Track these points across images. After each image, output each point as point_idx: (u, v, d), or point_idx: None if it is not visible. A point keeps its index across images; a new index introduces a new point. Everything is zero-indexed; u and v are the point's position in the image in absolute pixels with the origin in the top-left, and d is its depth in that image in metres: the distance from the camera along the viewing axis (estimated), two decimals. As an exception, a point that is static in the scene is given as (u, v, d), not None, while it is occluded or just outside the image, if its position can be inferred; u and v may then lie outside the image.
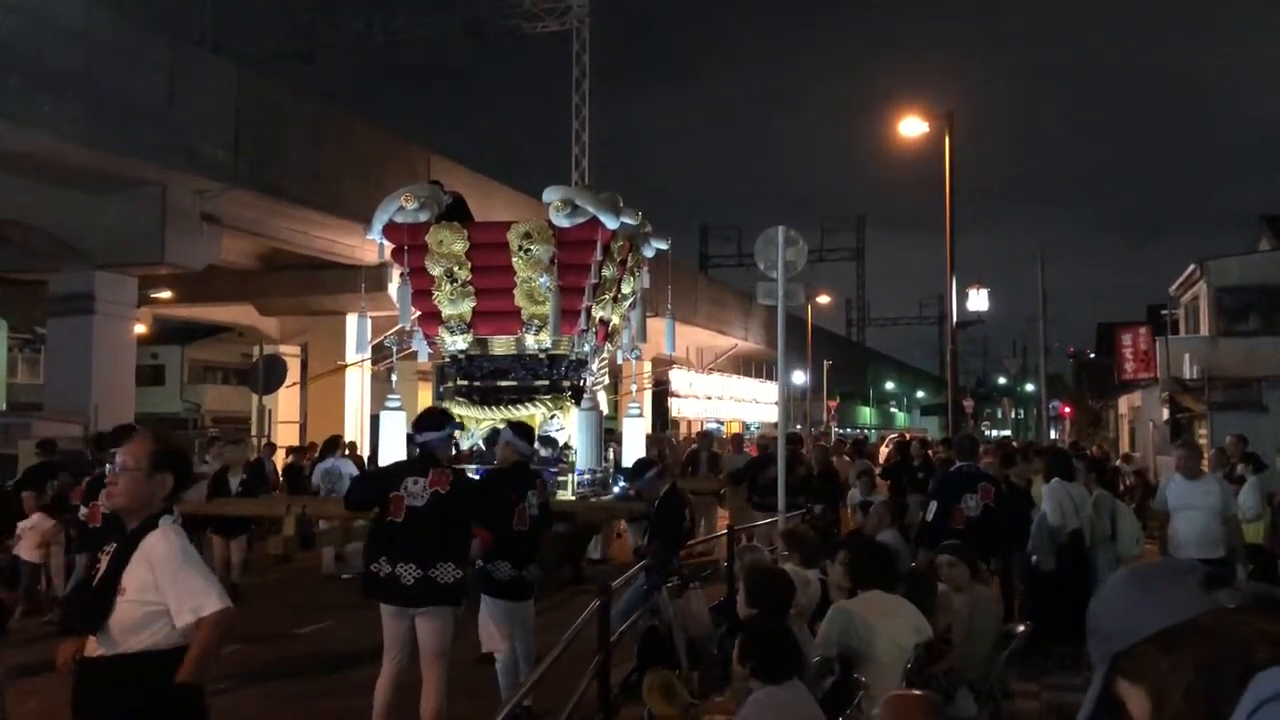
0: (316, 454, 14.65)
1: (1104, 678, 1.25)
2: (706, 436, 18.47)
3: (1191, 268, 26.53)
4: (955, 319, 19.76)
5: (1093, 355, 45.54)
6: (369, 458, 14.11)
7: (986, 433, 59.37)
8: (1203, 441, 21.20)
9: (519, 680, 6.02)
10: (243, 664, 7.59)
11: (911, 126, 19.00)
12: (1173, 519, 8.04)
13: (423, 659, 5.54)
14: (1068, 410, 50.05)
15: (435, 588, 5.47)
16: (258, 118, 15.87)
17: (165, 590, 3.18)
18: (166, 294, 21.15)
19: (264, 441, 18.52)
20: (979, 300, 29.12)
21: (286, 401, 24.68)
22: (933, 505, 7.82)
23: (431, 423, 6.08)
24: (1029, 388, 64.86)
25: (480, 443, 10.12)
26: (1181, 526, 7.92)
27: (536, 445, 8.28)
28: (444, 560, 5.50)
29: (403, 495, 5.62)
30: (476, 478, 7.19)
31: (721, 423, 37.56)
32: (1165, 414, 24.85)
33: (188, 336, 36.77)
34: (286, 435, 22.68)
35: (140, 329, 20.69)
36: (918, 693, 1.88)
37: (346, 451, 14.42)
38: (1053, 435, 41.47)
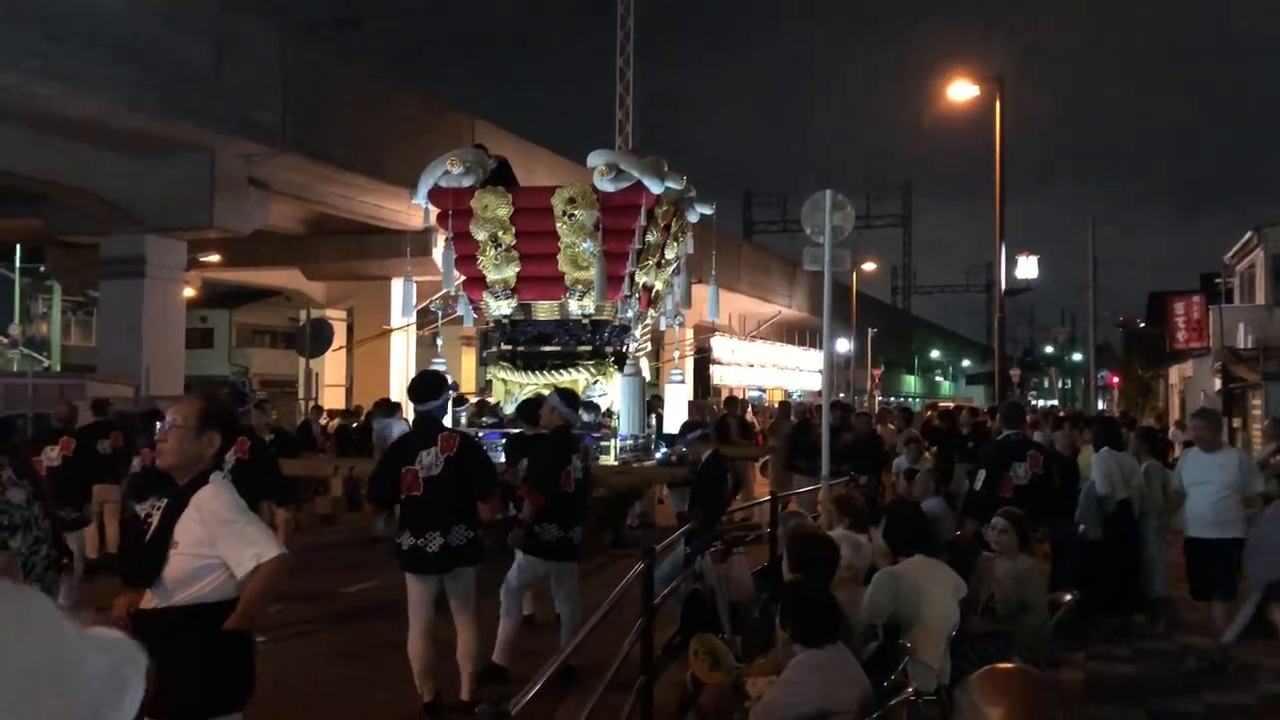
0: (363, 416, 14.83)
1: (1257, 604, 1.23)
2: (733, 402, 18.42)
3: (1249, 235, 25.95)
4: (1004, 287, 19.51)
5: (1143, 324, 44.82)
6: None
7: (1033, 402, 58.76)
8: (1256, 413, 20.84)
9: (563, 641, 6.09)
10: (286, 622, 7.71)
11: (961, 91, 18.70)
12: (1189, 495, 7.60)
13: (455, 612, 5.87)
14: (1116, 380, 49.36)
15: (458, 552, 5.74)
16: (305, 83, 15.94)
17: (220, 543, 3.22)
18: (215, 258, 21.43)
19: (311, 404, 18.74)
20: (1028, 268, 28.79)
21: (333, 365, 24.96)
22: (981, 474, 7.72)
23: (431, 391, 6.16)
24: (1076, 357, 64.09)
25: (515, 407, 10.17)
26: (1195, 503, 7.35)
27: (580, 411, 8.31)
28: (459, 524, 5.75)
29: (417, 469, 5.76)
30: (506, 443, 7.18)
31: (763, 390, 37.46)
32: (1218, 384, 24.43)
33: (236, 300, 37.25)
34: (333, 398, 22.94)
35: (189, 292, 21.00)
36: (1034, 670, 1.79)
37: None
38: (1100, 405, 40.97)
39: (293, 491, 11.27)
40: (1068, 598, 5.63)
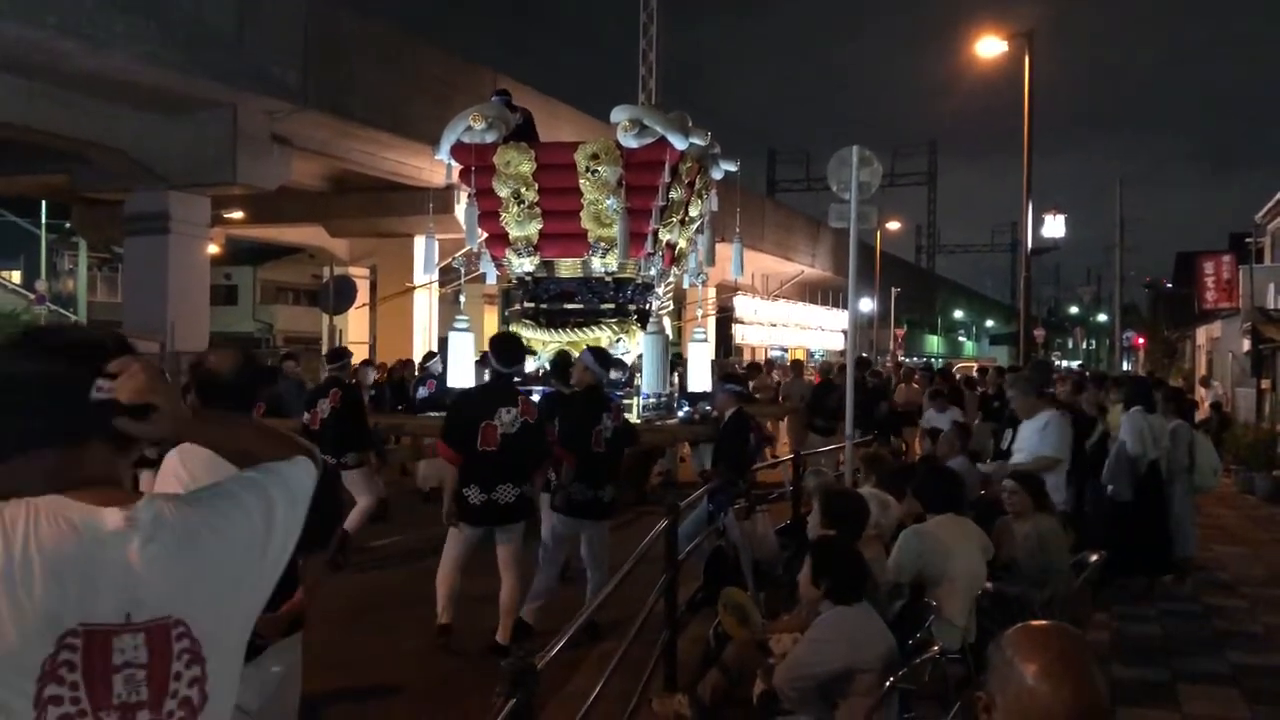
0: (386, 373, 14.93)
1: None
2: (757, 368, 18.37)
3: (1280, 194, 25.57)
4: (1030, 246, 19.29)
5: (1170, 285, 44.32)
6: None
7: (1058, 363, 58.32)
8: (1285, 374, 20.60)
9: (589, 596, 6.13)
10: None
11: (989, 46, 18.39)
12: None
13: (504, 563, 6.15)
14: (1141, 341, 48.92)
15: (520, 506, 6.09)
16: (326, 39, 15.85)
17: None
18: (239, 214, 21.45)
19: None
20: (1055, 227, 28.46)
21: (356, 322, 25.05)
22: (1008, 433, 7.64)
23: (519, 354, 6.56)
24: (1102, 317, 63.56)
25: (546, 365, 10.16)
26: None
27: (610, 370, 8.32)
28: (524, 482, 6.08)
29: (496, 425, 5.98)
30: (540, 400, 7.23)
31: (785, 349, 37.35)
32: (1246, 345, 24.14)
33: (260, 257, 37.39)
34: (357, 355, 23.03)
35: (214, 249, 21.06)
36: (1069, 627, 1.81)
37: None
38: (1125, 366, 40.67)
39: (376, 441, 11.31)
40: (1094, 558, 5.60)
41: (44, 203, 30.93)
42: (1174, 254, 43.11)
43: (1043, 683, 1.66)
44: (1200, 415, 16.22)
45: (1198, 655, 6.31)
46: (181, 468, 3.16)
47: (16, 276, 37.94)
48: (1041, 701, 1.65)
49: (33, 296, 32.94)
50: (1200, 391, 20.08)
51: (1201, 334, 30.46)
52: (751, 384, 14.65)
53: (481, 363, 10.47)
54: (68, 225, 28.67)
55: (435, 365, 13.05)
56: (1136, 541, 7.60)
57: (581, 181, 10.13)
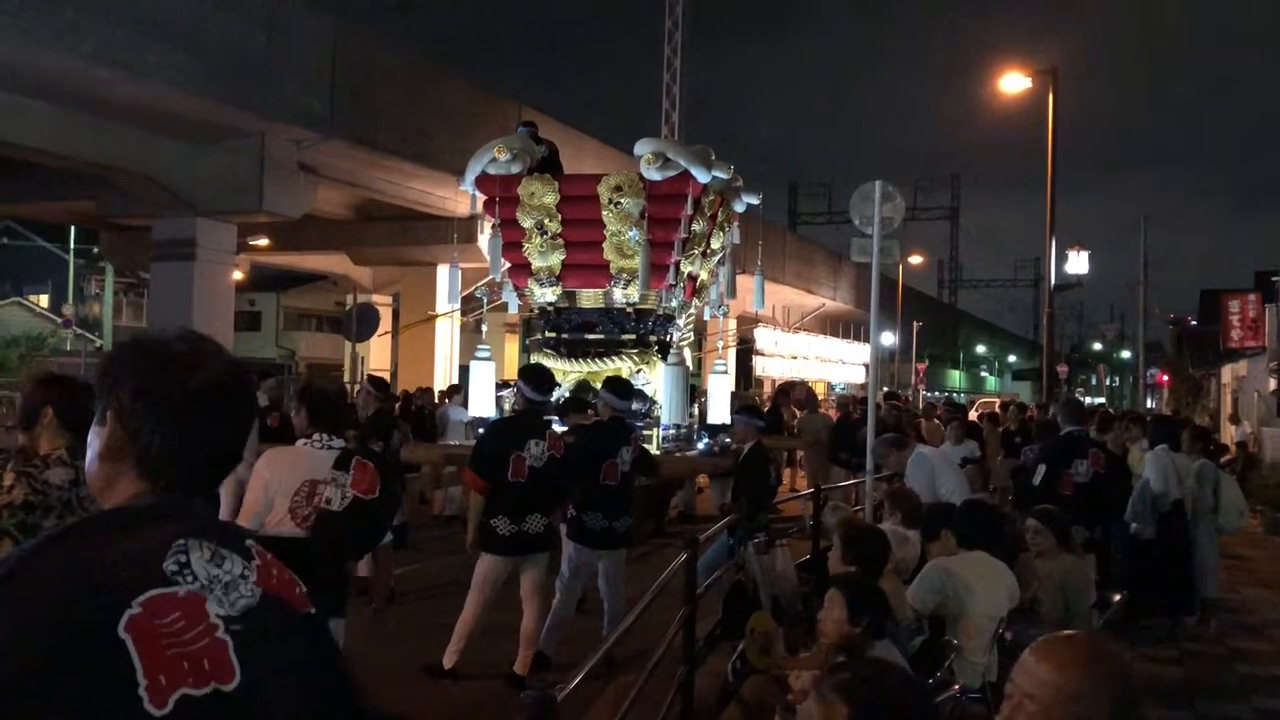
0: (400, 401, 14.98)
1: None
2: (785, 392, 18.29)
3: (1306, 233, 25.37)
4: (1053, 282, 19.24)
5: (1194, 322, 43.98)
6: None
7: (1080, 400, 57.69)
8: (1311, 414, 20.37)
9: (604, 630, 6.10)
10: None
11: (1013, 83, 18.47)
12: None
13: (526, 594, 6.22)
14: (1165, 378, 48.55)
15: (547, 537, 6.20)
16: (353, 70, 16.05)
17: None
18: (264, 241, 21.65)
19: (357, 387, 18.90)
20: (1078, 263, 28.35)
21: (378, 350, 25.16)
22: (1041, 469, 7.52)
23: (550, 384, 6.62)
24: (1125, 354, 63.09)
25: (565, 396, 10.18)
26: None
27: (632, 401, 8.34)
28: (550, 513, 6.17)
29: (525, 457, 6.04)
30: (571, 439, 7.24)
31: (806, 382, 37.25)
32: (1273, 384, 23.94)
33: (284, 284, 37.66)
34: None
35: (238, 275, 21.23)
36: (1092, 636, 1.94)
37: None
38: (1149, 404, 40.34)
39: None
40: (1117, 598, 5.54)
41: (72, 228, 31.32)
42: (1199, 291, 42.84)
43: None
44: (1228, 455, 16.08)
45: (1222, 699, 6.22)
46: (266, 470, 4.16)
47: (44, 300, 38.40)
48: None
49: (60, 321, 33.26)
50: (1229, 430, 19.88)
51: (1227, 372, 30.21)
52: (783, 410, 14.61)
53: (502, 389, 10.51)
54: (95, 250, 29.03)
55: (449, 411, 13.14)
56: (1159, 581, 7.52)
57: (604, 213, 10.18)
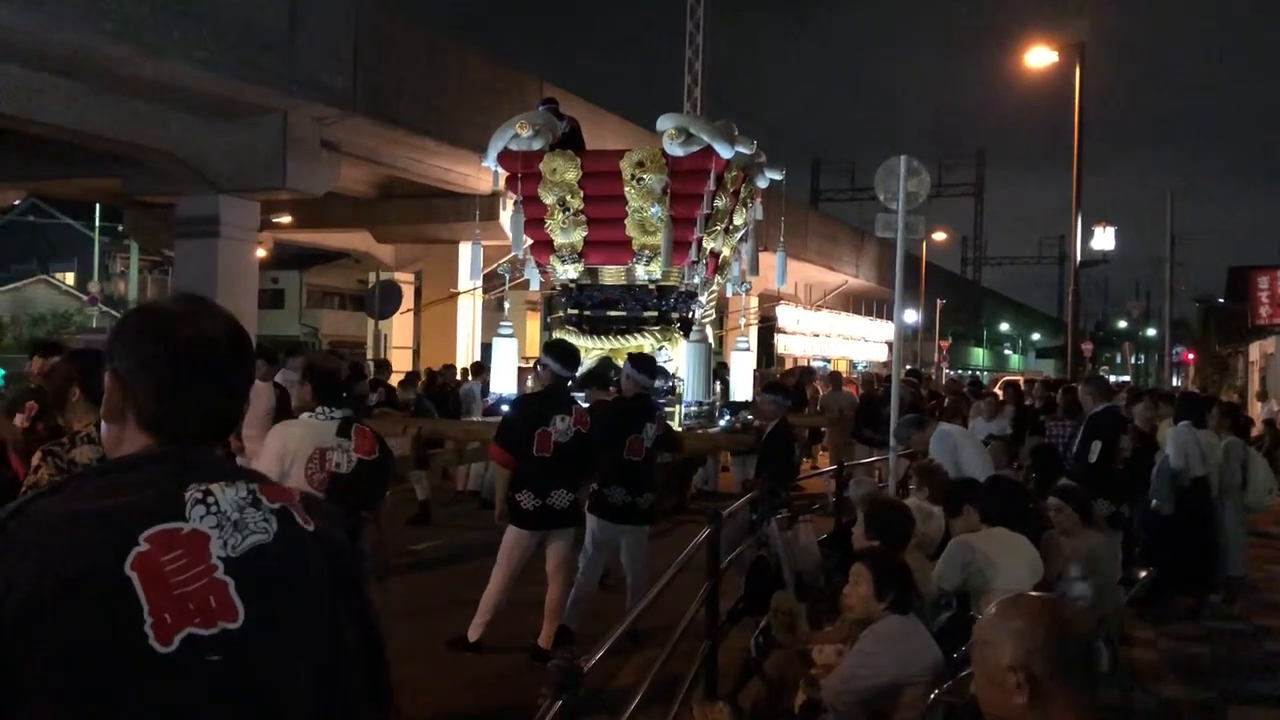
0: (425, 379, 15.04)
1: None
2: (809, 371, 18.27)
3: (1337, 208, 25.07)
4: (1078, 259, 19.07)
5: (1221, 300, 43.54)
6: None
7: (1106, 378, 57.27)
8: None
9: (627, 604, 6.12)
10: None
11: (1039, 57, 18.25)
12: None
13: (553, 568, 6.26)
14: (1191, 357, 48.14)
15: (573, 512, 6.19)
16: (375, 47, 16.01)
17: None
18: (287, 219, 21.72)
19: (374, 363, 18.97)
20: (1104, 240, 28.12)
21: (401, 327, 25.24)
22: (1095, 445, 7.43)
23: (575, 360, 6.73)
24: (1150, 332, 62.60)
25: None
26: None
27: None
28: (575, 489, 6.19)
29: (550, 432, 6.09)
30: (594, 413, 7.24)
31: (828, 360, 37.16)
32: (1300, 362, 23.70)
33: (306, 262, 37.80)
34: (401, 360, 23.23)
35: (261, 253, 21.34)
36: (1053, 596, 2.09)
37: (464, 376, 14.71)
38: (1175, 382, 40.04)
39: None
40: (1143, 574, 5.51)
41: (97, 206, 31.51)
42: (1226, 268, 42.37)
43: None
44: (1255, 432, 15.92)
45: (1249, 676, 6.19)
46: (278, 441, 4.63)
47: (70, 278, 38.67)
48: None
49: (85, 298, 33.54)
50: (1256, 407, 19.70)
51: (1255, 350, 29.92)
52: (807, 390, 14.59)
53: (527, 369, 10.53)
54: (120, 228, 29.19)
55: (473, 388, 13.21)
56: (1183, 558, 7.47)
57: (626, 189, 10.13)
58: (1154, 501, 7.79)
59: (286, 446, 4.58)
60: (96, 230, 34.22)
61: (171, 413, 1.41)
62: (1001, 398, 12.25)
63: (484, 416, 11.58)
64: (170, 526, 1.29)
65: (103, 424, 1.47)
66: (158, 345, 1.43)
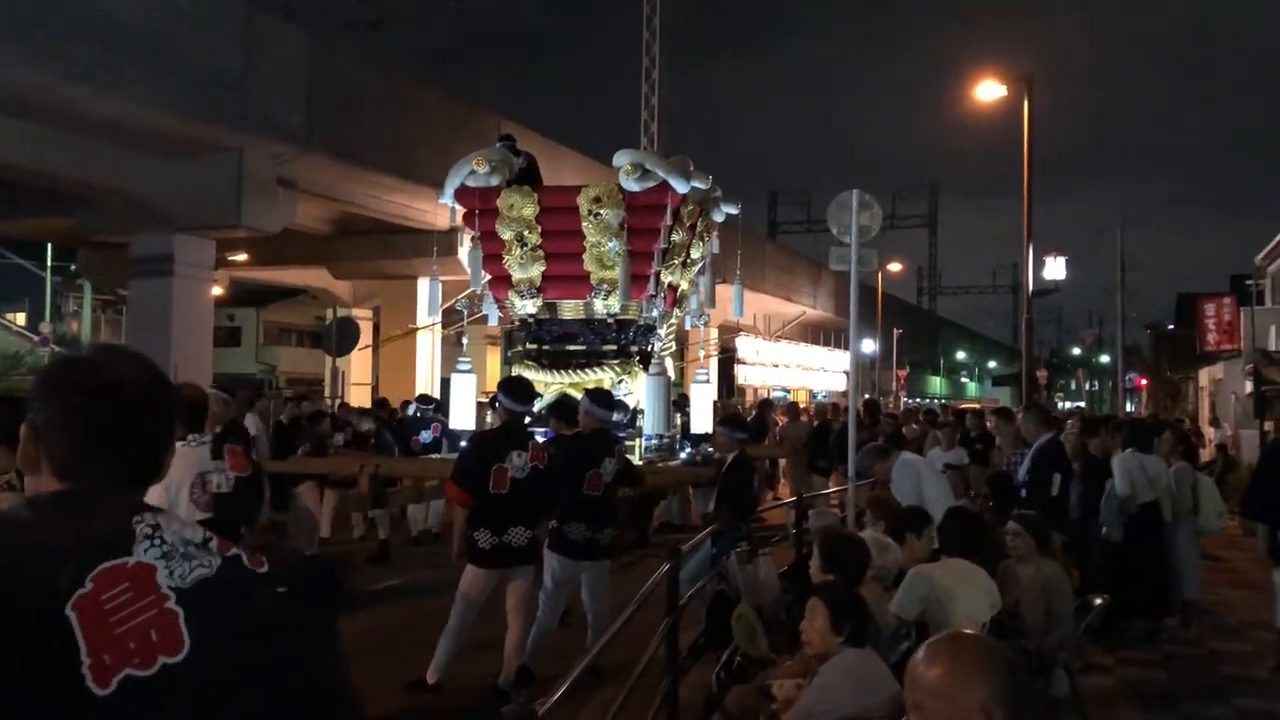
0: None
1: None
2: (768, 403, 18.34)
3: (1280, 236, 25.67)
4: (1031, 288, 19.35)
5: (1171, 326, 44.36)
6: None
7: (1060, 404, 58.21)
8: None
9: (587, 642, 6.09)
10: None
11: (988, 90, 18.56)
12: None
13: (512, 607, 6.21)
14: (1144, 382, 48.91)
15: (532, 549, 6.17)
16: (331, 84, 16.01)
17: None
18: (243, 256, 21.55)
19: (338, 402, 18.82)
20: (1056, 269, 28.46)
21: (359, 363, 25.06)
22: (1056, 478, 7.55)
23: (530, 395, 6.68)
24: (1104, 359, 63.55)
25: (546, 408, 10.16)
26: None
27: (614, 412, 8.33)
28: (533, 526, 6.15)
29: (506, 468, 6.03)
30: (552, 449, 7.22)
31: (788, 390, 37.33)
32: (1249, 387, 24.14)
33: (263, 299, 37.49)
34: (359, 397, 23.05)
35: (217, 291, 21.12)
36: (976, 635, 2.06)
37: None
38: (1129, 407, 40.64)
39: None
40: (1098, 601, 5.57)
41: (49, 245, 31.09)
42: (1175, 295, 43.21)
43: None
44: (1206, 456, 16.17)
45: (1204, 700, 6.26)
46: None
47: (21, 319, 38.06)
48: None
49: (37, 338, 33.00)
50: (1209, 432, 20.01)
51: (1204, 375, 30.46)
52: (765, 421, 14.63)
53: (487, 405, 10.49)
54: (73, 268, 28.81)
55: (428, 410, 13.24)
56: (1136, 584, 7.57)
57: (584, 224, 10.17)
58: (1104, 529, 7.91)
59: (170, 477, 4.64)
60: (49, 270, 33.73)
61: (83, 461, 1.40)
62: (957, 434, 12.28)
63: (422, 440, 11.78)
64: (116, 563, 1.28)
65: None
66: (69, 394, 1.42)
